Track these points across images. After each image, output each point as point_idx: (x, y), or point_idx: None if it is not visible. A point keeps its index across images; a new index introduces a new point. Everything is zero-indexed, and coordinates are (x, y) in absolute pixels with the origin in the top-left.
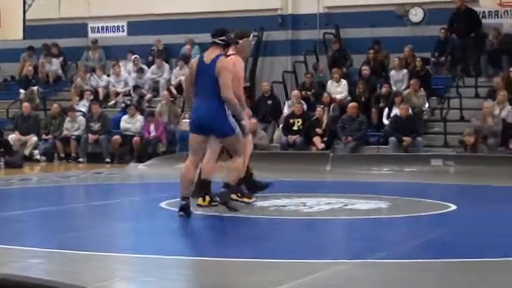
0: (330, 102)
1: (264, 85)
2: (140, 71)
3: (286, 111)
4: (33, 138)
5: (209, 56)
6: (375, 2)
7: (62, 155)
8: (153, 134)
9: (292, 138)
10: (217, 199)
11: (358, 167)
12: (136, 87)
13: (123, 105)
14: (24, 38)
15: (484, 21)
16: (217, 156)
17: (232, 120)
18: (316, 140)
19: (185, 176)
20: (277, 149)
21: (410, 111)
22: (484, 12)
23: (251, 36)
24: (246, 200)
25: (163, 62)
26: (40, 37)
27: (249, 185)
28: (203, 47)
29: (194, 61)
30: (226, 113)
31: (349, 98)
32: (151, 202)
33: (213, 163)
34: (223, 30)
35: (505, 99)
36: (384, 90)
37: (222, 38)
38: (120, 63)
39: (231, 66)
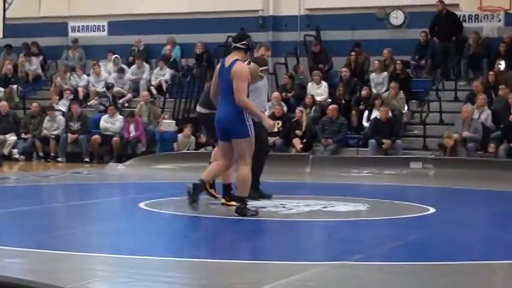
0: (312, 104)
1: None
2: (121, 70)
3: (266, 112)
4: (12, 137)
5: (228, 60)
6: (355, 4)
7: (41, 154)
8: (132, 134)
9: (272, 139)
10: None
11: (338, 169)
12: (110, 87)
13: (101, 107)
14: (4, 36)
15: (464, 25)
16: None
17: (249, 123)
18: (296, 141)
19: (213, 167)
20: None
21: (390, 114)
22: (464, 16)
23: (265, 68)
24: (234, 203)
25: (144, 62)
26: (20, 36)
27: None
28: (184, 48)
29: (218, 65)
30: (242, 116)
31: (329, 100)
32: (130, 202)
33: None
34: (244, 35)
35: (484, 103)
36: (364, 92)
37: (243, 42)
38: (100, 63)
39: (245, 72)
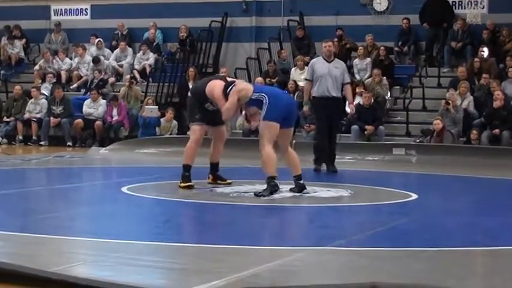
0: (295, 90)
1: (222, 71)
2: (96, 60)
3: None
4: None
5: None
6: None
7: (21, 137)
8: (115, 118)
9: (255, 124)
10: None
11: None
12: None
13: (82, 90)
14: None
15: None
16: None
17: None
18: None
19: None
20: (240, 136)
21: (372, 100)
22: (448, 2)
23: None
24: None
25: (127, 46)
26: (2, 19)
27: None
28: (166, 32)
29: None
30: None
31: None
32: (112, 186)
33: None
34: None
35: (467, 90)
36: None
37: None
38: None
39: None
